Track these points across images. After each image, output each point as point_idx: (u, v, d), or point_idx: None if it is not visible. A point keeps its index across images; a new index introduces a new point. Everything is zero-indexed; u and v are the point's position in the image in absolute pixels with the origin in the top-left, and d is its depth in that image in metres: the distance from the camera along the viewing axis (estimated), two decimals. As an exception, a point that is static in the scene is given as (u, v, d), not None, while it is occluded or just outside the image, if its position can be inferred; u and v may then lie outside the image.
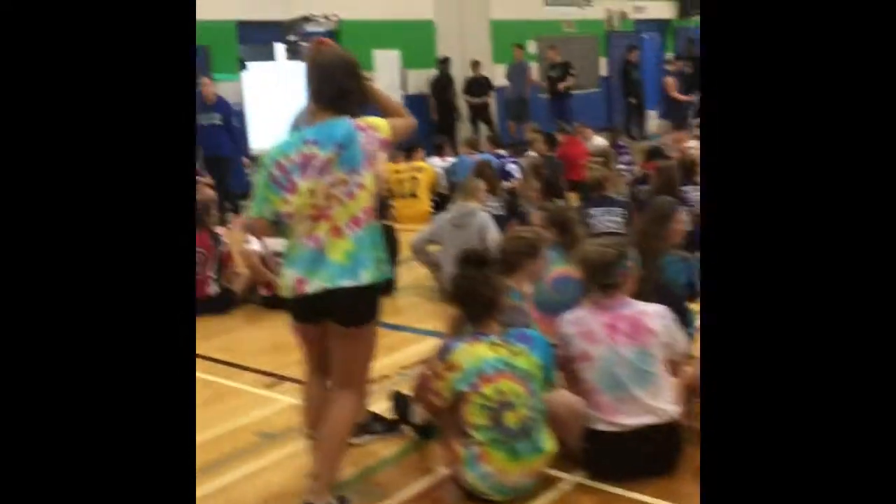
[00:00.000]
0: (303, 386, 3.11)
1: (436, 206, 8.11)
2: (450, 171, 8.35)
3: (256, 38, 11.18)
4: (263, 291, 5.35)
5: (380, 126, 2.78)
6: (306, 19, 10.45)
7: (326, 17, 10.54)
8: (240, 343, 5.10)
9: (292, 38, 10.93)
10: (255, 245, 5.26)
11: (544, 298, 3.55)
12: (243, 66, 10.21)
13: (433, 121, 13.06)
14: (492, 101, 13.52)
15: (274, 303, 5.33)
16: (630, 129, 14.37)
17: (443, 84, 13.00)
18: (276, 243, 5.26)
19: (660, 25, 18.66)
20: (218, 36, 10.32)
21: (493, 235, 4.95)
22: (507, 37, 14.57)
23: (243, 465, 3.38)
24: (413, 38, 12.97)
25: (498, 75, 13.74)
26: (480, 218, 5.05)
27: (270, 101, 10.45)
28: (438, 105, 13.05)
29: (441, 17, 13.49)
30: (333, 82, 2.80)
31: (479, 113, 13.39)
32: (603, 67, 16.97)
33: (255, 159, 10.54)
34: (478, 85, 13.25)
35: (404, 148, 8.57)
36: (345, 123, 2.74)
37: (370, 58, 12.30)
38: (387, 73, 12.71)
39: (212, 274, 5.33)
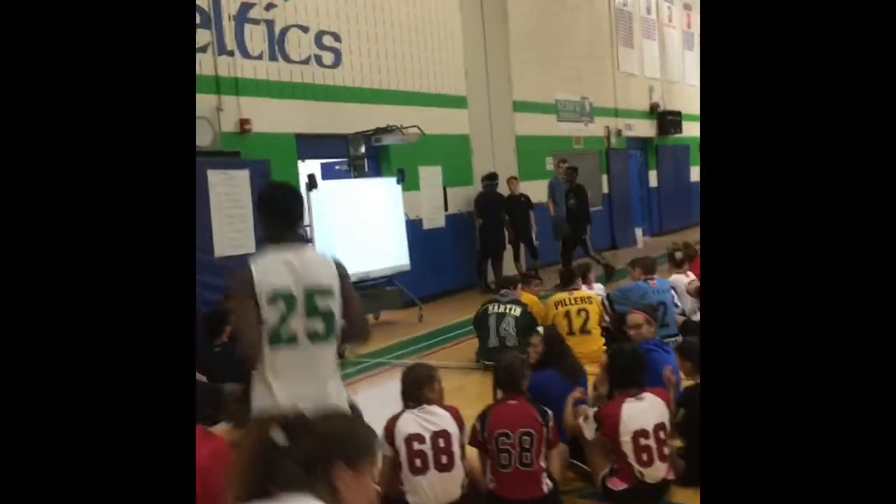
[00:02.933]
0: None
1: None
2: (617, 300, 7.14)
3: (316, 152, 9.86)
4: (617, 484, 3.92)
5: None
6: (385, 130, 9.24)
7: (403, 129, 9.36)
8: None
9: (359, 152, 9.71)
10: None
11: None
12: (313, 185, 8.80)
13: (482, 243, 11.93)
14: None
15: (626, 498, 3.93)
16: None
17: (492, 203, 11.91)
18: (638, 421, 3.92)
19: (643, 143, 18.61)
20: (277, 150, 8.95)
21: None
22: (529, 152, 13.87)
23: None
24: (452, 154, 11.97)
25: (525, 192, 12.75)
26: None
27: (339, 224, 9.10)
28: (485, 226, 11.91)
29: (474, 132, 12.60)
30: None
31: (520, 233, 12.36)
32: (605, 185, 16.51)
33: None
34: (517, 203, 12.28)
35: (564, 275, 7.36)
36: None
37: (417, 175, 11.16)
38: (430, 190, 11.58)
39: (543, 464, 3.86)
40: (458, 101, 12.16)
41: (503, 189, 12.34)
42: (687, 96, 20.57)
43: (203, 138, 8.23)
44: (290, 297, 2.99)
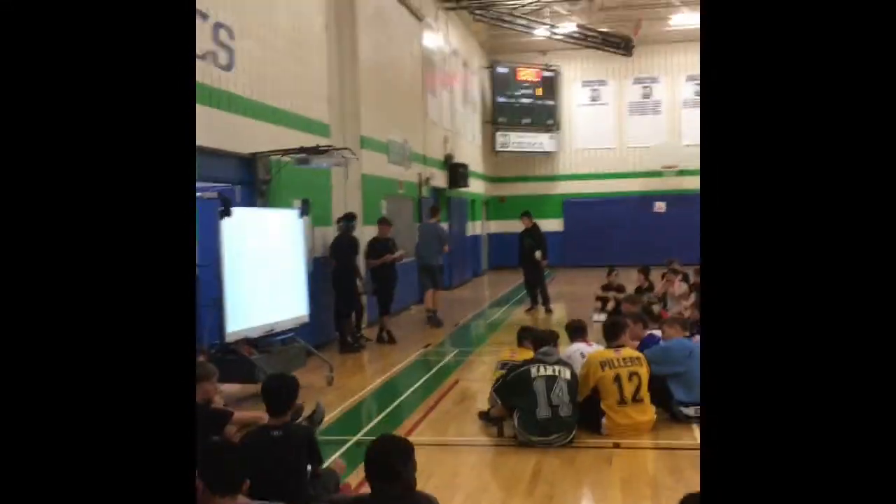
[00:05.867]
0: None
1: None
2: (656, 360, 6.23)
3: (207, 172, 7.74)
4: None
5: None
6: (316, 150, 7.51)
7: (342, 154, 7.68)
8: None
9: (266, 175, 7.86)
10: None
11: None
12: (226, 213, 6.82)
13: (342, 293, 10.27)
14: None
15: None
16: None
17: (349, 247, 10.28)
18: None
19: (437, 194, 18.11)
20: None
21: None
22: (369, 193, 12.57)
23: None
24: (314, 189, 10.30)
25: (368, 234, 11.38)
26: None
27: (248, 262, 7.21)
28: (340, 273, 10.24)
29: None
30: None
31: (384, 281, 10.92)
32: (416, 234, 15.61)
33: (227, 350, 7.00)
34: (383, 247, 10.92)
35: (608, 329, 6.27)
36: None
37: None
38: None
39: None
40: (321, 129, 10.58)
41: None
42: (466, 150, 20.65)
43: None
44: None
